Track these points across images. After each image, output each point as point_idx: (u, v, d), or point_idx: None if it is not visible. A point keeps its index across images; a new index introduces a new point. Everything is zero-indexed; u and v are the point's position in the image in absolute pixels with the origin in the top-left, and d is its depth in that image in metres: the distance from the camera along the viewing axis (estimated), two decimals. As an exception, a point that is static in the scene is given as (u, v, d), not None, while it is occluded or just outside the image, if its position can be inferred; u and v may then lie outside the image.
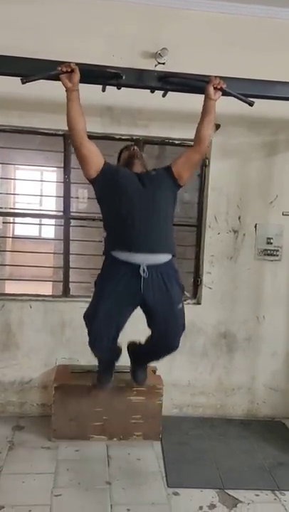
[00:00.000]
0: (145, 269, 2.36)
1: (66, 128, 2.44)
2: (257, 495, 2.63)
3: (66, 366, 3.34)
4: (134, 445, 3.06)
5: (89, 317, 2.51)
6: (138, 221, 2.37)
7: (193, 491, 2.63)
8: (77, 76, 2.30)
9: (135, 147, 2.61)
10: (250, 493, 2.63)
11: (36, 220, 3.93)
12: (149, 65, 3.01)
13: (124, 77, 2.50)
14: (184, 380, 3.54)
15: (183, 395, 3.55)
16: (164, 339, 2.54)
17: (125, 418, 3.08)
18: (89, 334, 2.51)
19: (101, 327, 2.46)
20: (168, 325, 2.48)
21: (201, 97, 2.49)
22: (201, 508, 2.50)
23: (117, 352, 2.73)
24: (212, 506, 2.51)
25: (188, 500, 2.55)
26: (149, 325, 2.57)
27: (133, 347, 2.80)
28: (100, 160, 2.43)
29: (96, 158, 2.41)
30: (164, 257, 2.44)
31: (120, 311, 2.47)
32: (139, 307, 2.49)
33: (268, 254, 3.51)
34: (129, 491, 2.61)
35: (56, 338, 3.41)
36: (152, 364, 2.91)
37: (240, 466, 2.91)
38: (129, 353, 2.81)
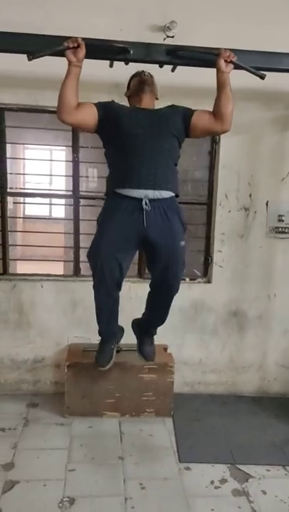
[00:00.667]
0: (147, 203, 2.31)
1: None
2: (268, 470, 2.66)
3: (78, 345, 3.38)
4: (146, 421, 3.11)
5: (92, 253, 2.41)
6: (141, 157, 2.30)
7: (205, 465, 2.67)
8: (82, 51, 2.25)
9: (146, 72, 2.48)
10: (261, 469, 2.67)
11: (46, 200, 3.91)
12: (157, 38, 2.94)
13: (131, 52, 2.44)
14: (195, 358, 3.56)
15: (194, 372, 3.58)
16: (165, 278, 2.47)
17: (137, 395, 3.11)
18: (93, 271, 2.43)
19: (104, 261, 2.36)
20: (169, 262, 2.41)
21: (211, 71, 2.43)
22: (212, 482, 2.54)
23: (117, 326, 2.71)
24: (223, 481, 2.55)
25: (200, 475, 2.60)
26: (149, 264, 2.54)
27: (136, 320, 2.78)
28: (93, 113, 2.33)
29: (88, 117, 2.32)
30: (166, 193, 2.37)
31: (123, 246, 2.39)
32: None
33: (280, 232, 3.47)
34: (142, 465, 2.66)
35: (68, 317, 3.44)
36: (161, 342, 2.87)
37: (251, 441, 2.95)
38: (133, 328, 2.79)
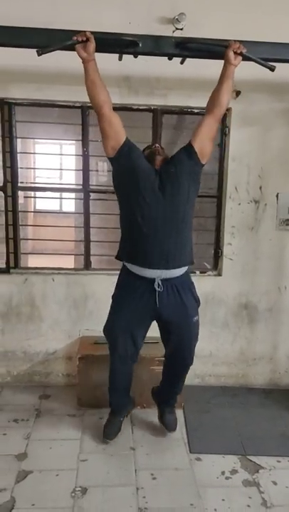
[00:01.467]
0: (160, 284, 2.40)
1: (84, 100, 2.43)
2: (278, 461, 2.68)
3: (89, 337, 3.41)
4: (157, 414, 3.13)
5: (107, 330, 2.61)
6: (154, 233, 2.36)
7: (215, 456, 2.69)
8: (92, 45, 2.26)
9: (157, 145, 2.58)
10: (272, 460, 2.68)
11: (56, 194, 3.93)
12: (166, 31, 2.94)
13: (140, 45, 2.45)
14: (205, 351, 3.57)
15: (204, 365, 3.59)
16: (178, 351, 2.63)
17: (148, 387, 3.13)
18: (109, 345, 2.63)
19: (119, 339, 2.55)
20: (182, 337, 2.56)
21: (221, 63, 2.42)
22: (223, 473, 2.56)
23: (130, 398, 2.89)
24: (234, 471, 2.57)
25: (211, 465, 2.62)
26: (164, 339, 2.67)
27: (155, 388, 2.94)
28: (120, 137, 2.37)
29: (115, 134, 2.36)
30: (179, 271, 2.45)
31: (137, 323, 2.55)
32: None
33: (290, 224, 3.46)
34: (153, 456, 2.69)
35: (79, 310, 3.47)
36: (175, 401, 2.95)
37: (261, 433, 2.96)
38: (153, 396, 2.95)
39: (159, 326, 2.62)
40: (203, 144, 2.44)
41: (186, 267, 2.50)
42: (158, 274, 2.39)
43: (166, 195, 2.36)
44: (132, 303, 2.48)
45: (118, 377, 2.73)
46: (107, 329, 2.62)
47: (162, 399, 2.87)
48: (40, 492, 2.33)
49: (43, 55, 2.35)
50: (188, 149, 2.44)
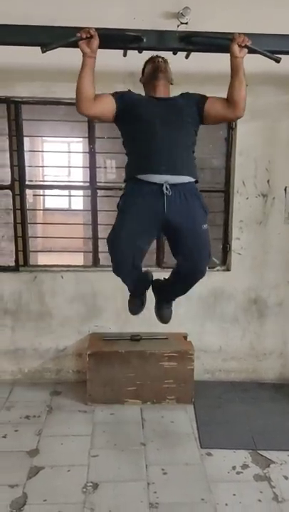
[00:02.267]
0: (168, 187, 2.29)
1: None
2: (290, 455, 2.67)
3: (99, 334, 3.42)
4: (168, 408, 3.14)
5: (111, 238, 2.39)
6: (160, 143, 2.29)
7: (226, 451, 2.69)
8: (96, 42, 2.25)
9: (160, 58, 2.45)
10: (283, 454, 2.67)
11: (64, 192, 3.94)
12: (171, 25, 2.91)
13: (144, 40, 2.43)
14: (215, 346, 3.57)
15: (214, 360, 3.59)
16: (190, 262, 2.42)
17: (158, 383, 3.14)
18: (112, 257, 2.42)
19: (124, 248, 2.35)
20: (193, 245, 2.39)
21: (227, 56, 2.40)
22: (234, 468, 2.55)
23: (146, 278, 2.71)
24: (245, 466, 2.57)
25: (222, 460, 2.62)
26: (173, 250, 2.50)
27: (158, 283, 2.75)
28: (111, 104, 2.33)
29: (106, 109, 2.33)
30: (186, 178, 2.36)
31: (144, 231, 2.37)
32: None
33: (299, 218, 3.43)
34: (164, 451, 2.69)
35: (88, 307, 3.49)
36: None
37: (272, 428, 2.95)
38: (153, 290, 2.76)
39: (168, 237, 2.50)
40: (213, 112, 2.38)
41: (193, 180, 2.41)
42: (166, 179, 2.30)
43: (169, 118, 2.33)
44: (139, 209, 2.34)
45: (128, 279, 2.56)
46: (112, 238, 2.40)
47: (163, 294, 2.74)
48: (51, 488, 2.35)
49: (47, 53, 2.35)
50: (200, 99, 2.40)
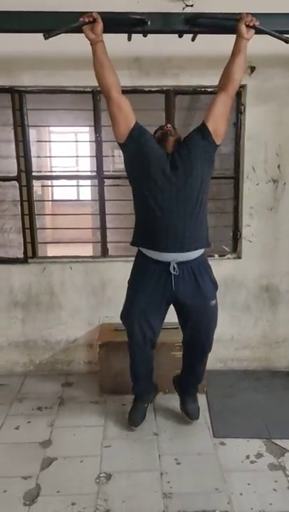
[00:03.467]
0: (175, 267, 2.35)
1: (94, 84, 2.38)
2: (304, 444, 2.64)
3: (109, 324, 3.40)
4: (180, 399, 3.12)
5: (124, 316, 2.58)
6: (168, 216, 2.31)
7: (240, 440, 2.67)
8: (100, 26, 2.21)
9: (168, 125, 2.51)
10: (298, 443, 2.64)
11: (71, 182, 3.91)
12: (176, 8, 2.84)
13: (149, 23, 2.38)
14: (227, 335, 3.53)
15: (226, 349, 3.55)
16: (196, 336, 2.59)
17: (170, 373, 3.11)
18: (127, 333, 2.60)
19: (136, 325, 2.52)
20: (200, 321, 2.52)
21: (234, 38, 2.34)
22: (248, 457, 2.53)
23: (153, 387, 2.90)
24: (259, 455, 2.54)
25: (235, 449, 2.59)
26: (181, 324, 2.63)
27: (176, 377, 2.91)
28: (129, 121, 2.32)
29: (125, 118, 2.31)
30: (195, 254, 2.40)
31: (153, 308, 2.50)
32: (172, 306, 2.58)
33: (311, 203, 3.36)
34: (176, 441, 2.68)
35: (98, 297, 3.47)
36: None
37: (286, 416, 2.91)
38: (174, 385, 2.92)
39: (176, 310, 2.60)
40: (217, 123, 2.37)
41: (203, 250, 2.46)
42: (173, 258, 2.35)
43: (178, 178, 2.31)
44: (148, 287, 2.44)
45: (138, 364, 2.71)
46: (123, 316, 2.60)
47: (183, 388, 2.85)
48: (64, 479, 2.35)
49: (50, 39, 2.31)
50: (202, 130, 2.38)
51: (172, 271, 2.36)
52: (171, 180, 2.31)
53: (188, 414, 2.80)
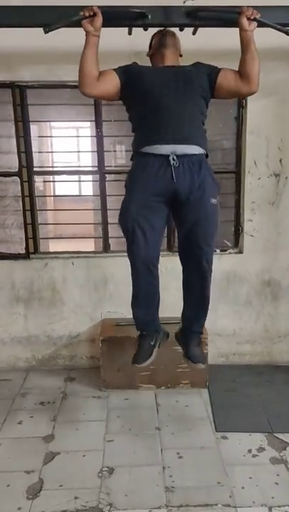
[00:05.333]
0: (175, 158, 2.17)
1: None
2: (306, 438, 2.64)
3: (111, 320, 3.41)
4: (182, 393, 3.13)
5: (122, 216, 2.27)
6: (168, 113, 2.18)
7: (242, 435, 2.67)
8: (99, 20, 2.19)
9: (168, 28, 2.38)
10: (300, 437, 2.65)
11: (72, 178, 3.90)
12: (177, 1, 2.81)
13: (150, 17, 2.36)
14: (228, 329, 3.53)
15: (228, 343, 3.56)
16: (194, 238, 2.27)
17: (172, 367, 3.13)
18: (124, 234, 2.28)
19: (136, 224, 2.21)
20: (199, 219, 2.24)
21: (236, 30, 2.32)
22: (250, 451, 2.54)
23: (162, 328, 2.56)
24: (261, 449, 2.55)
25: (237, 444, 2.60)
26: (180, 229, 2.36)
27: (178, 329, 2.61)
28: (115, 80, 2.24)
29: (110, 86, 2.25)
30: (194, 148, 2.23)
31: (154, 205, 2.23)
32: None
33: (313, 197, 3.35)
34: (179, 435, 2.69)
35: (100, 293, 3.47)
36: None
37: (288, 410, 2.92)
38: (177, 338, 2.61)
39: (174, 212, 2.33)
40: (225, 85, 2.28)
41: (202, 150, 2.28)
42: (173, 149, 2.18)
43: (178, 86, 2.22)
44: (147, 182, 2.22)
45: (141, 282, 2.36)
46: (122, 216, 2.28)
47: (187, 328, 2.53)
48: (67, 473, 2.36)
49: (50, 34, 2.29)
50: (212, 71, 2.30)
51: (172, 161, 2.17)
52: (170, 83, 2.22)
53: (191, 358, 2.47)
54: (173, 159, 2.18)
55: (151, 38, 2.44)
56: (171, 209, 2.32)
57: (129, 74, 2.27)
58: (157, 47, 2.36)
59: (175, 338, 2.64)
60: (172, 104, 2.20)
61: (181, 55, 2.43)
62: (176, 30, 2.47)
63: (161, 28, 2.42)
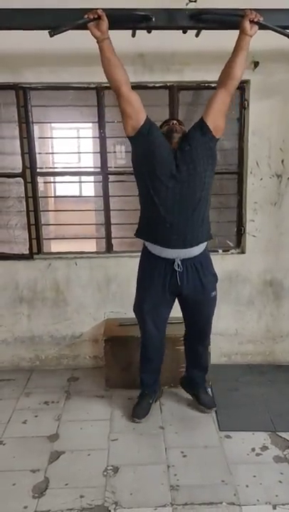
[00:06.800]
0: (179, 264, 2.48)
1: (98, 80, 2.40)
2: (309, 437, 2.66)
3: (114, 320, 3.43)
4: (185, 392, 3.14)
5: (136, 311, 2.75)
6: (171, 215, 2.39)
7: (245, 433, 2.69)
8: (105, 23, 2.22)
9: (174, 121, 2.54)
10: (303, 436, 2.67)
11: (76, 179, 3.92)
12: (180, 4, 2.82)
13: (153, 19, 2.38)
14: (231, 329, 3.55)
15: (231, 343, 3.58)
16: (198, 323, 2.78)
17: (175, 367, 3.14)
18: (139, 325, 2.78)
19: (148, 318, 2.67)
20: (201, 311, 2.70)
21: (237, 33, 2.35)
22: (253, 449, 2.56)
23: (159, 386, 3.00)
24: (264, 448, 2.57)
25: (241, 442, 2.62)
26: (183, 313, 2.78)
27: (182, 379, 3.05)
28: (140, 117, 2.35)
29: (135, 113, 2.35)
30: (197, 249, 2.50)
31: (162, 301, 2.63)
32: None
33: (314, 198, 3.37)
34: (182, 434, 2.71)
35: (103, 293, 3.49)
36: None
37: (291, 410, 2.94)
38: (184, 387, 3.04)
39: (179, 302, 2.73)
40: (216, 119, 2.41)
41: (205, 244, 2.57)
42: (177, 255, 2.47)
43: (182, 175, 2.37)
44: (156, 284, 2.56)
45: (150, 355, 2.82)
46: (136, 311, 2.75)
47: (192, 384, 2.95)
48: (72, 472, 2.38)
49: (55, 37, 2.32)
50: (201, 125, 2.42)
51: (176, 268, 2.48)
52: (176, 178, 2.37)
53: (204, 405, 2.88)
54: (178, 266, 2.49)
55: (160, 126, 2.55)
56: (177, 296, 2.70)
57: (151, 129, 2.39)
58: (165, 137, 2.45)
59: (181, 385, 3.07)
60: (177, 205, 2.40)
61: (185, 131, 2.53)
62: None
63: (168, 119, 2.62)
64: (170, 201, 2.38)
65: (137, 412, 2.81)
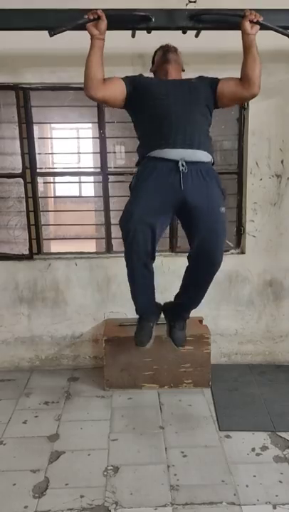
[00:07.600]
0: (184, 164, 2.19)
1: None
2: (309, 437, 2.67)
3: (114, 320, 3.43)
4: (185, 392, 3.15)
5: (124, 219, 2.25)
6: (176, 120, 2.22)
7: (245, 433, 2.69)
8: (104, 23, 2.21)
9: (170, 44, 2.43)
10: (302, 436, 2.67)
11: (76, 179, 3.92)
12: (180, 4, 2.84)
13: (153, 20, 2.38)
14: (231, 329, 3.56)
15: (231, 343, 3.58)
16: (206, 243, 2.28)
17: (175, 367, 3.15)
18: (123, 237, 2.28)
19: (136, 225, 2.19)
20: (211, 227, 2.26)
21: (239, 33, 2.34)
22: (253, 449, 2.56)
23: (157, 307, 2.62)
24: (264, 448, 2.57)
25: (241, 442, 2.62)
26: (189, 234, 2.37)
27: (168, 303, 2.66)
28: (121, 88, 2.29)
29: (117, 91, 2.28)
30: (203, 155, 2.26)
31: (158, 210, 2.23)
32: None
33: (314, 198, 3.37)
34: (182, 434, 2.71)
35: (103, 293, 3.49)
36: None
37: (291, 409, 2.95)
38: (165, 312, 2.67)
39: (183, 219, 2.38)
40: (226, 92, 2.32)
41: (210, 158, 2.31)
42: (182, 155, 2.20)
43: (184, 97, 2.27)
44: (153, 187, 2.22)
45: (138, 277, 2.41)
46: (124, 218, 2.25)
47: (176, 311, 2.61)
48: (73, 472, 2.38)
49: (55, 37, 2.32)
50: (212, 82, 2.35)
51: (181, 167, 2.18)
52: (176, 94, 2.27)
53: (174, 341, 2.60)
54: (182, 165, 2.19)
55: (153, 54, 2.49)
56: (178, 215, 2.36)
57: (136, 84, 2.32)
58: (160, 63, 2.41)
59: (162, 311, 2.66)
60: (180, 112, 2.24)
61: (183, 70, 2.47)
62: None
63: (163, 44, 2.46)
64: (173, 111, 2.23)
65: (140, 339, 2.51)
